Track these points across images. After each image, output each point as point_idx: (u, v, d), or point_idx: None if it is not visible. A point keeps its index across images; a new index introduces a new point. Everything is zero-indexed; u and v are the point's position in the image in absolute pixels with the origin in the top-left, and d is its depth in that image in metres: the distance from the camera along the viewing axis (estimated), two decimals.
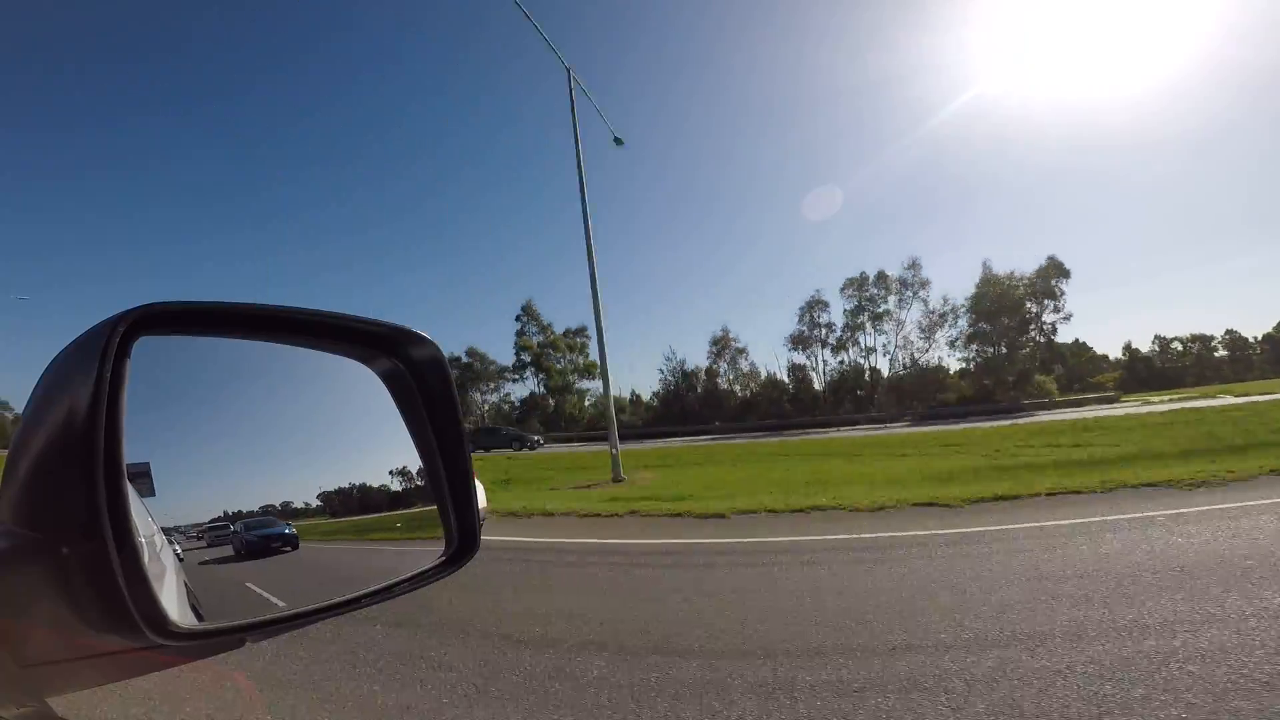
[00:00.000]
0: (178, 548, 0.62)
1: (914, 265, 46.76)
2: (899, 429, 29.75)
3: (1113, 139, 75.11)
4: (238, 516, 0.66)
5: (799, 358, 50.19)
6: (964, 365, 46.30)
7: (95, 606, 0.49)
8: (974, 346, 45.64)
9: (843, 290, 48.40)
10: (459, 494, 0.86)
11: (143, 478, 0.59)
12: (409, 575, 0.80)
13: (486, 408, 56.48)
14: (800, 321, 49.56)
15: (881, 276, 47.23)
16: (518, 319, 55.03)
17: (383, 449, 0.87)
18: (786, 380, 50.29)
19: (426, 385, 0.85)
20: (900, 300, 46.87)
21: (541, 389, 54.64)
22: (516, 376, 55.35)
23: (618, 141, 16.85)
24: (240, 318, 0.71)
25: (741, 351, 51.53)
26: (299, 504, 0.72)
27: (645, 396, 56.18)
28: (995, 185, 75.92)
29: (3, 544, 0.51)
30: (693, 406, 49.71)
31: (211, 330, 0.70)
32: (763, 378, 50.96)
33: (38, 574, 0.50)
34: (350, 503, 0.78)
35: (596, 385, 53.17)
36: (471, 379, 55.51)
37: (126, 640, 0.51)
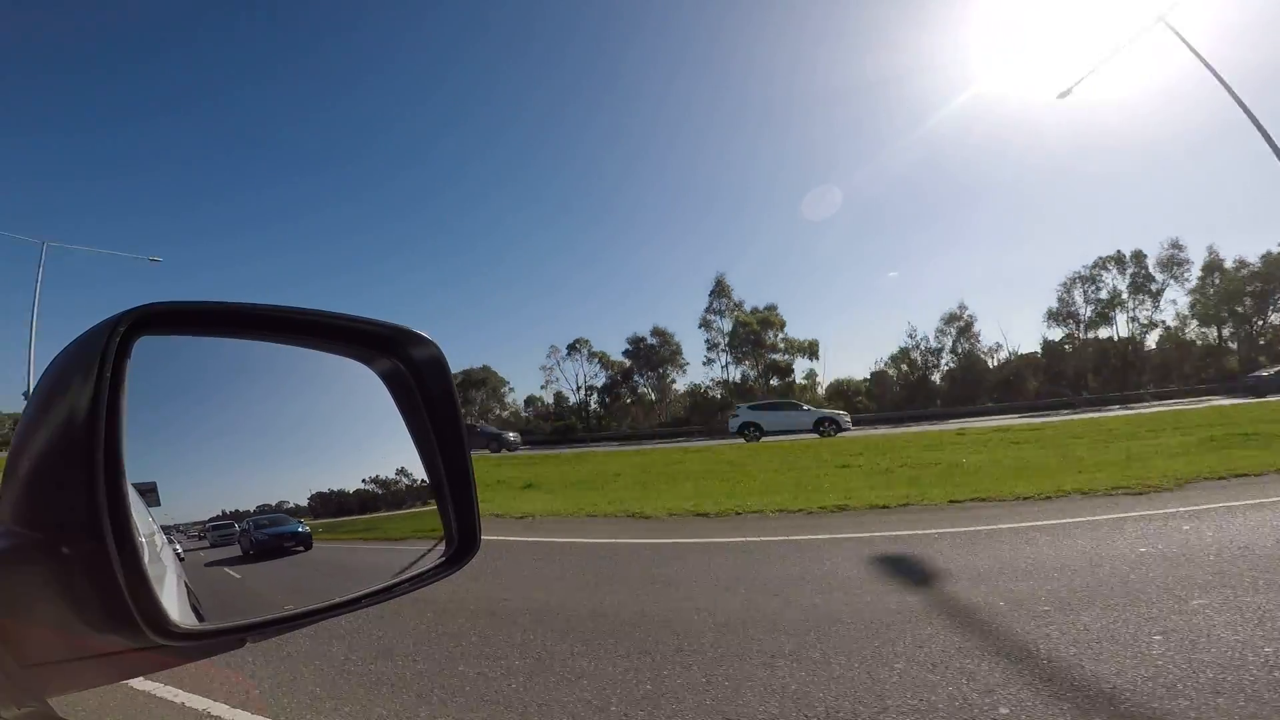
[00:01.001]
0: (178, 547, 0.62)
1: (1176, 245, 45.55)
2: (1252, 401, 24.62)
3: (1112, 138, 75.30)
4: (238, 516, 0.65)
5: (1051, 333, 48.15)
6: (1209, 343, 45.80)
7: (96, 607, 0.49)
8: (1194, 325, 45.50)
9: (1092, 268, 47.24)
10: (459, 494, 0.86)
11: (150, 494, 0.59)
12: (409, 575, 0.80)
13: (674, 397, 52.19)
14: (1060, 297, 47.92)
15: (1138, 256, 46.21)
16: (711, 294, 50.72)
17: (382, 449, 0.87)
18: (1040, 356, 48.14)
19: (427, 385, 0.85)
20: (1165, 279, 45.90)
21: (747, 373, 49.46)
22: (708, 359, 50.99)
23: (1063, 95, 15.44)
24: (241, 317, 0.71)
25: (970, 330, 48.73)
26: (300, 504, 0.72)
27: (857, 380, 50.88)
28: (994, 184, 76.11)
29: (3, 544, 0.51)
30: (932, 386, 47.00)
31: (212, 330, 0.70)
32: (1006, 354, 48.17)
33: (38, 574, 0.50)
34: (346, 503, 0.78)
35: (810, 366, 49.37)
36: (658, 362, 51.69)
37: (127, 640, 0.51)
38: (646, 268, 76.09)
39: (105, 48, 77.73)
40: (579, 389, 54.31)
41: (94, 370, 0.52)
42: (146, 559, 0.53)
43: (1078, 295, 48.02)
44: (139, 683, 3.18)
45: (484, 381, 56.44)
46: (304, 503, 0.73)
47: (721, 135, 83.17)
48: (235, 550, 0.65)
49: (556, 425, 50.04)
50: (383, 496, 0.83)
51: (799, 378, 49.91)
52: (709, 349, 51.25)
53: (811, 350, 49.74)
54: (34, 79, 72.68)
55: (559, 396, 55.23)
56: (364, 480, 0.82)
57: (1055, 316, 48.46)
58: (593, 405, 53.64)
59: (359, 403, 0.88)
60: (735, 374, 50.79)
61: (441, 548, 0.86)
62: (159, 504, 0.60)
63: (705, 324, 51.20)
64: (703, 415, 47.40)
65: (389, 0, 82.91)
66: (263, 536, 0.67)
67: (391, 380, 0.86)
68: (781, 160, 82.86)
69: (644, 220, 79.61)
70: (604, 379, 53.84)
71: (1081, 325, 47.98)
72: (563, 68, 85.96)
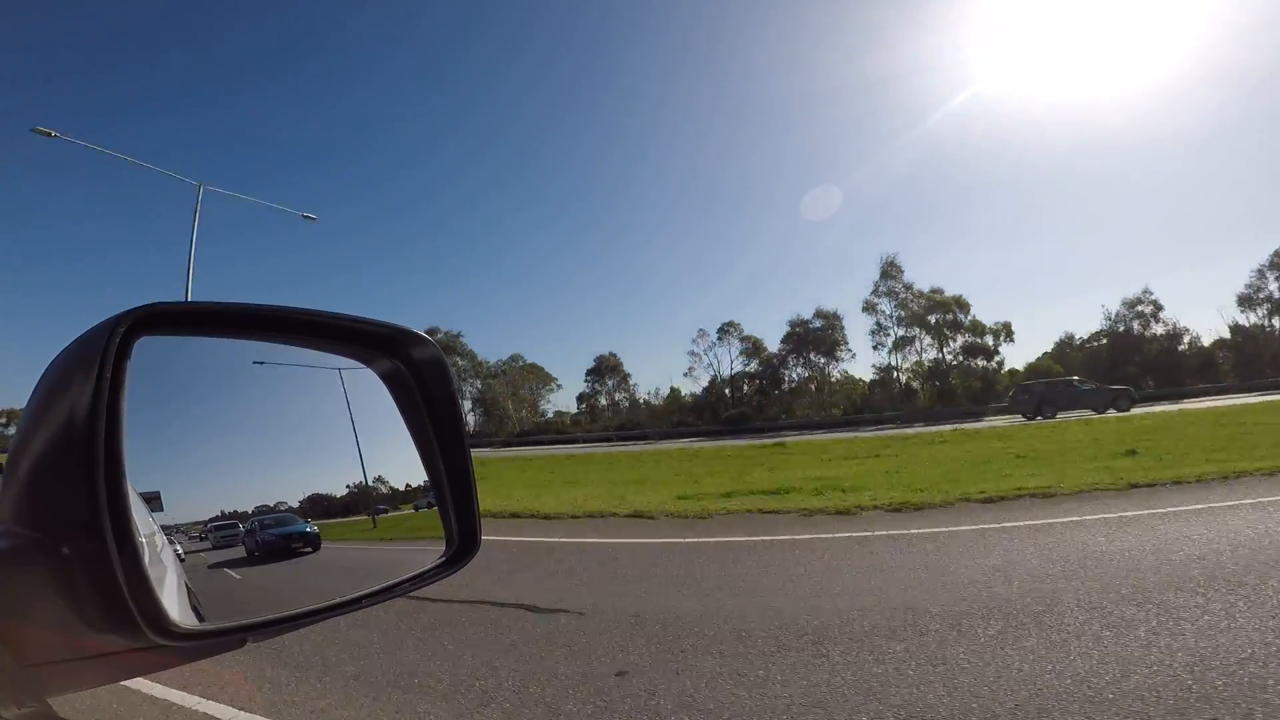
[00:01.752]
0: (178, 547, 0.62)
1: None
2: None
3: (1110, 138, 75.21)
4: (238, 516, 0.65)
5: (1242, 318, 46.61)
6: None
7: (96, 607, 0.49)
8: None
9: (1275, 255, 45.79)
10: (459, 494, 0.86)
11: (153, 502, 0.59)
12: (409, 575, 0.80)
13: (838, 382, 49.12)
14: (1249, 283, 46.49)
15: None
16: (885, 275, 48.37)
17: (382, 450, 0.87)
18: (1230, 339, 46.93)
19: (426, 385, 0.85)
20: None
21: (937, 355, 46.82)
22: (877, 342, 48.50)
23: None
24: (240, 318, 0.71)
25: (1158, 314, 46.85)
26: (293, 505, 0.71)
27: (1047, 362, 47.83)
28: (994, 183, 76.05)
29: (3, 544, 0.51)
30: (1127, 369, 44.24)
31: (212, 330, 0.70)
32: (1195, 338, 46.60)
33: (38, 574, 0.50)
34: (332, 505, 0.77)
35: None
36: (827, 346, 49.00)
37: (127, 640, 0.51)
38: (652, 267, 76.00)
39: (106, 48, 77.79)
40: (718, 377, 51.71)
41: (94, 370, 0.52)
42: (147, 559, 0.53)
43: (1271, 281, 46.66)
44: (139, 683, 3.18)
45: (615, 368, 56.05)
46: (302, 505, 0.72)
47: (722, 135, 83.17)
48: (239, 551, 0.64)
49: (731, 414, 47.52)
50: (361, 501, 0.83)
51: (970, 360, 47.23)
52: (877, 332, 48.93)
53: (1007, 332, 47.78)
54: (32, 79, 72.72)
55: (714, 383, 52.64)
56: (347, 486, 0.81)
57: (1247, 302, 47.50)
58: (740, 391, 51.14)
59: (359, 403, 0.88)
60: (897, 359, 48.49)
61: (442, 547, 0.86)
62: (162, 509, 0.60)
63: (869, 307, 49.09)
64: (895, 399, 44.59)
65: (389, 2, 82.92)
66: (269, 537, 0.66)
67: (392, 381, 0.86)
68: (782, 159, 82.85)
69: (645, 220, 79.47)
70: (743, 365, 51.36)
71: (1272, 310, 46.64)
72: (561, 68, 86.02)
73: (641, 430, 46.68)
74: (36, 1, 71.09)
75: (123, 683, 0.62)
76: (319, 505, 0.75)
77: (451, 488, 0.86)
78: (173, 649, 0.54)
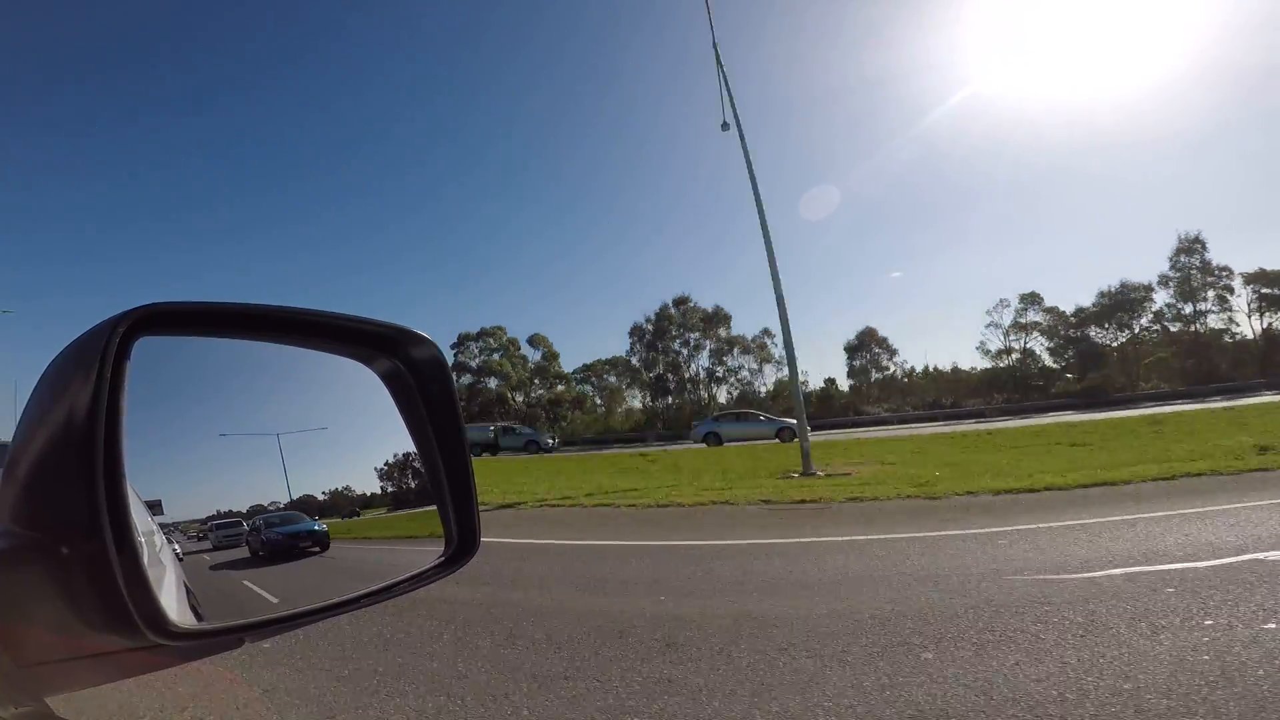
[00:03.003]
0: (177, 547, 0.62)
1: None
2: None
3: (1109, 138, 75.30)
4: (237, 516, 0.65)
5: None
6: None
7: (95, 606, 0.49)
8: None
9: None
10: (459, 494, 0.86)
11: (154, 506, 0.59)
12: (409, 575, 0.80)
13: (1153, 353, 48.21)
14: None
15: None
16: (1183, 250, 48.19)
17: (382, 449, 0.87)
18: None
19: (426, 385, 0.85)
20: None
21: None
22: (1177, 315, 48.34)
23: None
24: (240, 318, 0.71)
25: None
26: (285, 505, 0.70)
27: None
28: (992, 183, 76.08)
29: (3, 544, 0.51)
30: None
31: (212, 330, 0.70)
32: None
33: (38, 574, 0.50)
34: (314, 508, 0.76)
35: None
36: (1120, 321, 49.22)
37: (126, 640, 0.51)
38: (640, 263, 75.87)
39: (102, 49, 77.75)
40: (1006, 351, 51.47)
41: (94, 371, 0.52)
42: (145, 559, 0.53)
43: None
44: (137, 682, 3.18)
45: (882, 342, 54.96)
46: (292, 505, 0.72)
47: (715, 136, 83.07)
48: (243, 552, 0.63)
49: (1088, 384, 46.47)
50: (335, 506, 0.82)
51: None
52: (1174, 304, 49.35)
53: None
54: (36, 79, 72.73)
55: (1028, 353, 52.15)
56: (323, 492, 0.81)
57: None
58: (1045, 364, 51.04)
59: (359, 403, 0.88)
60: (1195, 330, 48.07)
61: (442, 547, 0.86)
62: (163, 513, 0.59)
63: (1165, 281, 49.63)
64: (1229, 368, 43.81)
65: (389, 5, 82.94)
66: (274, 536, 0.64)
67: (391, 380, 0.86)
68: (783, 160, 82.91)
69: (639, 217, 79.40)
70: (1011, 339, 51.35)
71: None
72: (561, 68, 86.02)
73: (973, 408, 44.90)
74: (34, 2, 71.16)
75: (121, 682, 0.62)
76: (309, 507, 0.75)
77: (451, 488, 0.86)
78: (171, 649, 0.54)
